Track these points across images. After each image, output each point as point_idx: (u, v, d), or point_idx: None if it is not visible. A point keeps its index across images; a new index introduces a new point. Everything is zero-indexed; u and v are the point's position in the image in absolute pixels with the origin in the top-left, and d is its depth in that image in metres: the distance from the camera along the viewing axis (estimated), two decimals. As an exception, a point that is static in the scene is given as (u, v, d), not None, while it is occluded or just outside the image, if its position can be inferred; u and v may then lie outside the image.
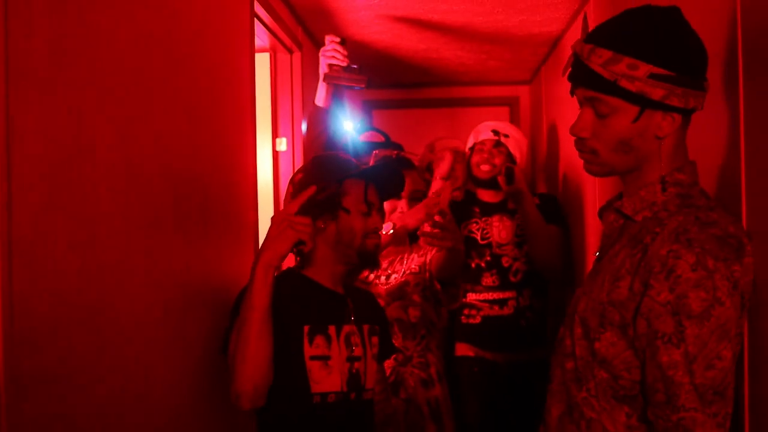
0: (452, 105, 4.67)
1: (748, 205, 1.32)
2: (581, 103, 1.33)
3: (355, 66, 2.48)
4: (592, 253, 2.53)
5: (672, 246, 1.17)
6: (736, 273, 1.16)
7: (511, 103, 4.77)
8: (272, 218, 1.60)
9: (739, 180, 1.34)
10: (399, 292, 2.51)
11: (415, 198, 2.59)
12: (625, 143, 1.28)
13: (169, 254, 1.58)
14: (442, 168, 2.88)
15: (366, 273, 2.51)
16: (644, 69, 1.22)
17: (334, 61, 2.45)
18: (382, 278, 2.55)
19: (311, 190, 1.64)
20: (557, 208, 3.20)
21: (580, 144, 1.34)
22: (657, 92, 1.22)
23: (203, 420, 1.76)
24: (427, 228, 2.22)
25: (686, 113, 1.28)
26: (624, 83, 1.23)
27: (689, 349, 1.14)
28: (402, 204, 2.54)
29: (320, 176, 1.81)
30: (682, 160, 1.31)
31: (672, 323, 1.15)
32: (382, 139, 3.06)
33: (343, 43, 2.47)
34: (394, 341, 2.46)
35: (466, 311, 3.06)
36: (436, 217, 2.16)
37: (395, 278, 2.53)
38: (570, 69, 1.33)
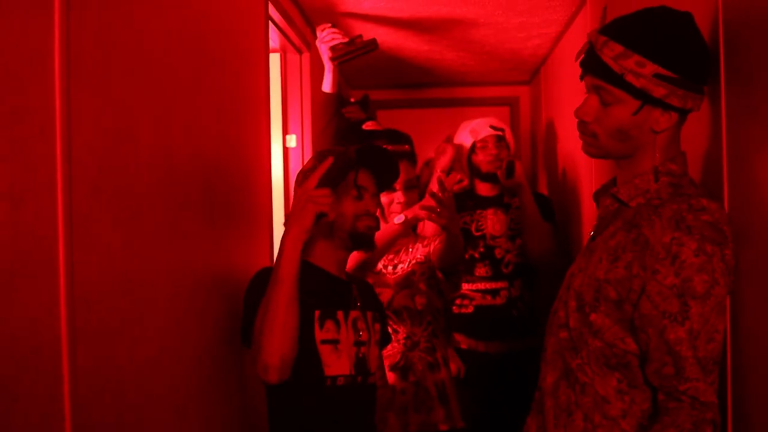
0: (454, 105, 4.77)
1: (730, 193, 1.42)
2: (588, 89, 1.43)
3: (356, 35, 2.59)
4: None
5: (674, 234, 1.28)
6: (727, 255, 1.27)
7: (512, 103, 4.87)
8: (294, 196, 1.67)
9: (721, 169, 1.45)
10: (406, 281, 2.61)
11: (411, 186, 2.64)
12: (623, 132, 1.38)
13: (196, 238, 1.70)
14: (443, 161, 2.97)
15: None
16: (650, 68, 1.32)
17: (334, 42, 2.56)
18: (389, 268, 2.65)
19: (328, 162, 1.69)
20: (551, 209, 3.31)
21: (582, 126, 1.44)
22: (659, 91, 1.33)
23: (225, 391, 1.88)
24: (426, 202, 2.31)
25: (683, 112, 1.38)
26: (630, 78, 1.33)
27: (694, 326, 1.26)
28: (398, 195, 2.59)
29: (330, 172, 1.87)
30: (674, 151, 1.41)
31: (677, 304, 1.26)
32: (380, 128, 3.15)
33: (333, 26, 2.58)
34: (402, 328, 2.58)
35: (458, 301, 3.15)
36: (435, 190, 2.23)
37: (402, 268, 2.63)
38: (582, 55, 1.43)
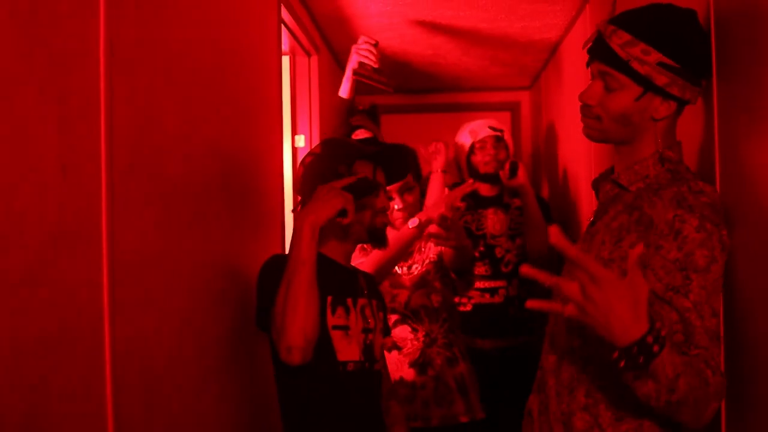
0: (456, 110, 4.86)
1: (722, 180, 1.50)
2: (594, 76, 1.50)
3: (384, 75, 2.68)
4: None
5: (677, 211, 1.34)
6: (724, 237, 1.34)
7: (513, 108, 4.97)
8: (318, 188, 1.72)
9: (713, 158, 1.53)
10: (422, 282, 2.69)
11: (407, 188, 2.69)
12: (626, 117, 1.46)
13: (216, 226, 1.79)
14: (439, 161, 2.99)
15: None
16: (655, 56, 1.40)
17: (367, 61, 2.64)
18: (405, 269, 2.72)
19: (353, 177, 1.78)
20: (549, 212, 3.41)
21: (586, 110, 1.51)
22: (661, 79, 1.41)
23: (241, 370, 1.97)
24: (433, 229, 2.38)
25: (681, 103, 1.46)
26: (635, 65, 1.41)
27: (697, 299, 1.30)
28: (396, 202, 2.64)
29: (331, 158, 1.91)
30: (671, 140, 1.49)
31: (680, 277, 1.31)
32: (371, 134, 3.24)
33: (376, 45, 2.67)
34: (421, 327, 2.65)
35: (456, 299, 3.18)
36: (437, 218, 2.32)
37: (416, 268, 2.71)
38: (591, 44, 1.51)
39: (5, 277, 0.96)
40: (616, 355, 1.18)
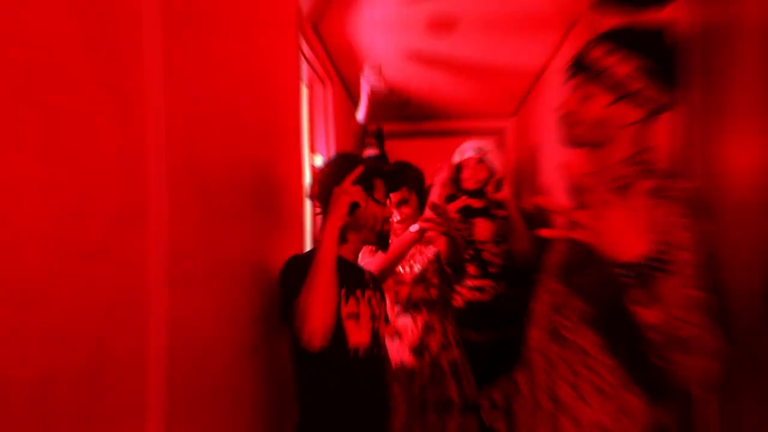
0: (448, 136, 5.08)
1: (702, 177, 1.59)
2: (573, 88, 1.52)
3: (396, 92, 2.87)
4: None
5: (651, 199, 1.33)
6: (701, 226, 1.34)
7: (499, 133, 5.16)
8: (333, 193, 1.85)
9: (691, 160, 1.61)
10: (421, 278, 2.89)
11: (404, 201, 2.89)
12: (600, 123, 1.47)
13: (249, 227, 1.89)
14: (442, 176, 3.14)
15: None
16: (629, 64, 1.39)
17: (377, 87, 2.79)
18: (406, 268, 2.91)
19: (360, 169, 1.91)
20: (531, 221, 3.64)
21: (563, 118, 1.53)
22: (634, 85, 1.40)
23: (268, 355, 2.07)
24: (427, 216, 2.58)
25: (654, 110, 1.43)
26: (609, 72, 1.41)
27: (682, 270, 1.25)
28: (394, 214, 2.79)
29: (344, 171, 2.01)
30: (644, 145, 1.49)
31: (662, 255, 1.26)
32: (378, 152, 3.39)
33: (381, 68, 2.80)
34: (420, 317, 2.82)
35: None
36: (430, 205, 2.54)
37: (417, 267, 2.92)
38: (571, 61, 1.53)
39: (79, 247, 1.01)
40: (624, 271, 1.16)
